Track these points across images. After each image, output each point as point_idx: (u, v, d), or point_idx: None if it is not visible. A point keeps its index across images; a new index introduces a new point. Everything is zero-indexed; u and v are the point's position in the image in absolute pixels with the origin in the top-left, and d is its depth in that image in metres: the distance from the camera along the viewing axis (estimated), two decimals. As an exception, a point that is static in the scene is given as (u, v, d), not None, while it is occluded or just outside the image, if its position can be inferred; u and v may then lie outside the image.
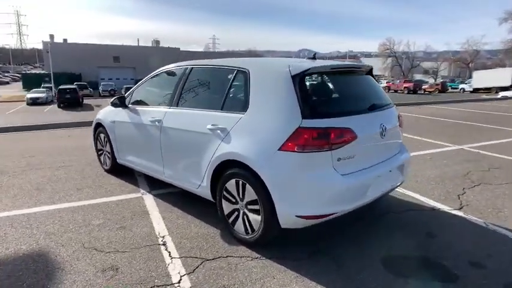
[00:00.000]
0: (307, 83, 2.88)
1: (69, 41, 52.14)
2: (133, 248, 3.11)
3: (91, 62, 49.15)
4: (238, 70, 3.24)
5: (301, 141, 2.65)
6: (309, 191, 2.71)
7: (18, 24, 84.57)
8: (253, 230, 3.03)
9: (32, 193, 4.50)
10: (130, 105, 4.50)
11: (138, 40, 62.84)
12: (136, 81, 51.98)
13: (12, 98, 35.29)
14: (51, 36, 49.30)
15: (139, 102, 4.43)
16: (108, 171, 5.25)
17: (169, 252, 3.03)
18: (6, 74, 56.90)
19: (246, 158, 2.90)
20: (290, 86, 2.80)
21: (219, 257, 2.95)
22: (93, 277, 2.68)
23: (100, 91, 41.37)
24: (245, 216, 3.06)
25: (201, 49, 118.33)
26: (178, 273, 2.72)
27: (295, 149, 2.66)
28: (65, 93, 28.74)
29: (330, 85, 3.26)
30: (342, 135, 2.75)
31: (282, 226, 2.84)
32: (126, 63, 52.86)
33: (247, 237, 3.08)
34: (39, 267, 2.81)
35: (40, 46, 49.30)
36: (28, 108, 28.49)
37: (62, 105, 28.39)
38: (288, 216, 2.77)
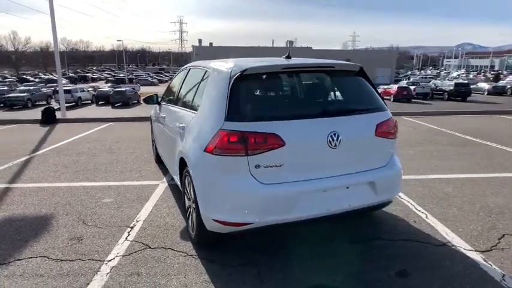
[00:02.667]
0: (243, 84, 2.73)
1: (214, 45, 59.03)
2: (108, 225, 3.58)
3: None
4: (206, 70, 3.31)
5: (219, 143, 2.58)
6: (223, 196, 2.62)
7: (181, 31, 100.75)
8: (193, 229, 3.10)
9: (84, 171, 5.58)
10: (161, 102, 5.04)
11: (272, 41, 66.25)
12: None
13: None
14: (200, 41, 56.85)
15: (163, 99, 4.94)
16: (155, 160, 6.00)
17: (128, 234, 3.38)
18: (167, 74, 68.67)
19: (186, 157, 2.99)
20: (226, 86, 2.74)
21: (161, 248, 3.13)
22: (60, 242, 3.24)
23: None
24: (192, 214, 3.14)
25: (339, 47, 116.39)
26: (118, 253, 3.03)
27: (213, 151, 2.61)
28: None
29: (275, 87, 3.00)
30: (263, 140, 2.54)
31: (208, 229, 2.82)
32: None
33: (192, 234, 3.16)
34: (33, 227, 3.55)
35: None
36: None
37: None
38: (207, 219, 2.74)
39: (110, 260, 2.92)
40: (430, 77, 47.34)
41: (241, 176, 2.57)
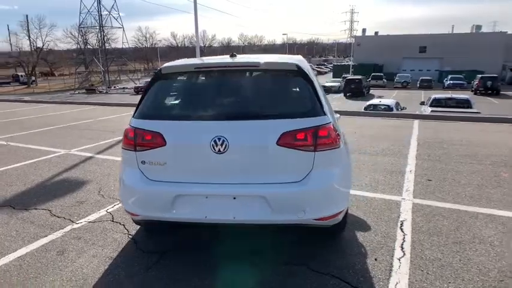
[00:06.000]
0: (157, 83, 2.84)
1: (380, 34, 55.34)
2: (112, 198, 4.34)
3: (396, 53, 50.09)
4: None
5: (123, 138, 2.84)
6: (122, 187, 2.86)
7: (351, 20, 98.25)
8: None
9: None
10: None
11: (452, 27, 56.87)
12: (441, 73, 47.65)
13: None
14: (364, 30, 54.35)
15: None
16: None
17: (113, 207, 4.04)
18: (328, 66, 68.92)
19: None
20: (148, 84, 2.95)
21: (120, 223, 3.63)
22: (66, 202, 4.18)
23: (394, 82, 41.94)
24: None
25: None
26: (88, 219, 3.72)
27: (122, 146, 2.89)
28: (350, 84, 31.78)
29: (185, 86, 2.91)
30: (147, 138, 2.64)
31: None
32: (433, 53, 49.75)
33: None
34: (65, 187, 4.64)
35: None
36: (322, 95, 34.04)
37: (347, 94, 31.79)
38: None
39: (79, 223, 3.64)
40: None
41: (133, 170, 2.76)
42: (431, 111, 15.18)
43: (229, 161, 2.54)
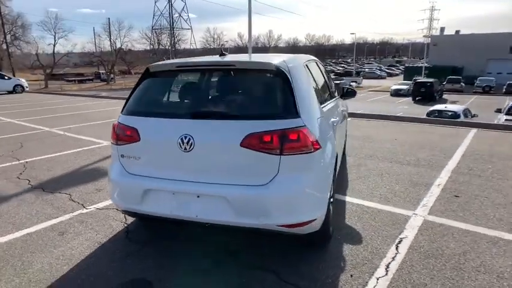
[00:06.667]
0: (145, 81, 2.97)
1: (461, 33, 50.42)
2: (126, 187, 4.64)
3: (479, 54, 45.13)
4: None
5: (111, 132, 3.03)
6: (109, 178, 3.06)
7: (430, 19, 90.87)
8: None
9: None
10: None
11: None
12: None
13: (382, 88, 40.66)
14: (442, 29, 49.95)
15: None
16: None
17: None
18: (400, 67, 64.82)
19: None
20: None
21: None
22: (86, 190, 4.58)
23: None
24: None
25: None
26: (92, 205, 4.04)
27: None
28: (420, 87, 29.55)
29: (166, 84, 2.99)
30: (127, 133, 2.79)
31: None
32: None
33: None
34: (86, 173, 5.07)
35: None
36: (387, 99, 32.36)
37: (416, 98, 29.58)
38: None
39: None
40: None
41: (115, 163, 2.94)
42: (505, 120, 13.51)
43: (194, 159, 2.58)
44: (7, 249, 3.13)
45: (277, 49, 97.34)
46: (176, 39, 49.38)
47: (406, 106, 26.25)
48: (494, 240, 3.19)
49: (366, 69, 57.48)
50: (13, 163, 5.83)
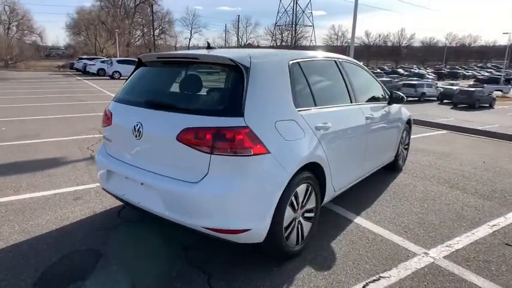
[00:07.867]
0: (136, 71, 3.15)
1: None
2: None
3: None
4: None
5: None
6: None
7: None
8: None
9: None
10: None
11: None
12: None
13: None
14: None
15: None
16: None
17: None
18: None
19: None
20: None
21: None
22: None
23: None
24: None
25: None
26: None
27: None
28: None
29: (148, 74, 3.06)
30: (107, 117, 3.01)
31: None
32: None
33: None
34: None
35: None
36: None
37: None
38: None
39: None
40: None
41: (102, 144, 3.22)
42: None
43: (142, 147, 2.64)
44: (32, 203, 3.77)
45: (408, 48, 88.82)
46: (298, 36, 49.98)
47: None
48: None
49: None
50: (95, 136, 6.94)
